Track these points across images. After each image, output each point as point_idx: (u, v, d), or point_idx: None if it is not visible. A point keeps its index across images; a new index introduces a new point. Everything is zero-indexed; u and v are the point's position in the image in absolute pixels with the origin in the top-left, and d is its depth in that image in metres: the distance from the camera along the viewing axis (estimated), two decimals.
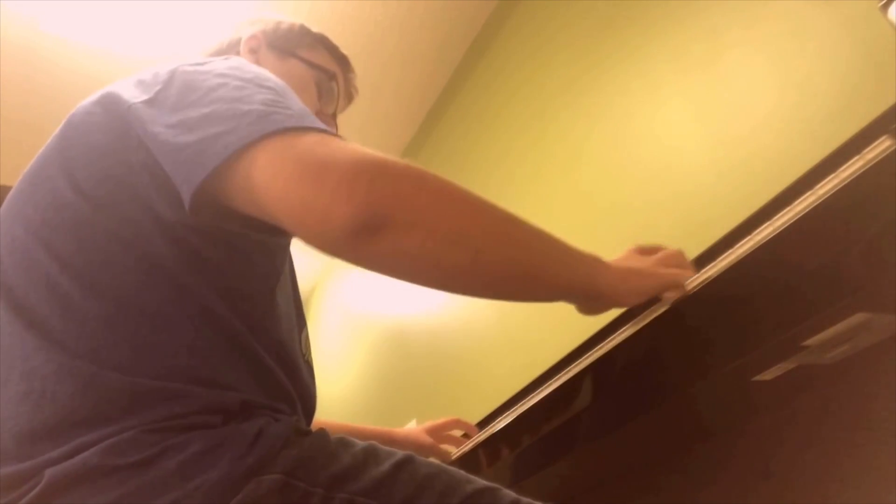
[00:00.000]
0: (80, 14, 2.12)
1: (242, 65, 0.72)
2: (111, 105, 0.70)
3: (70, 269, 0.65)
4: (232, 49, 1.00)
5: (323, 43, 1.04)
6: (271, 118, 0.61)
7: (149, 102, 0.67)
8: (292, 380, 0.76)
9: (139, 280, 0.65)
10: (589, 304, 0.74)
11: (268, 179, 0.58)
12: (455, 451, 1.17)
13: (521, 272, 0.66)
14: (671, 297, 0.77)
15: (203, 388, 0.63)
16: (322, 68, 1.01)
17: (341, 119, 1.08)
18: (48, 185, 0.69)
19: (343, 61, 1.06)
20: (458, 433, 1.28)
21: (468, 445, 1.15)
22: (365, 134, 2.85)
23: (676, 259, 0.80)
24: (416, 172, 0.60)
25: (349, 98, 1.08)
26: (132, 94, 0.69)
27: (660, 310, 0.78)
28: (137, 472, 0.56)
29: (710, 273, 0.77)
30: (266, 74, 0.70)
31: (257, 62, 0.95)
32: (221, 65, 0.71)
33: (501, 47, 2.31)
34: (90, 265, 0.65)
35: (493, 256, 0.63)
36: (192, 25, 2.24)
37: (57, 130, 0.75)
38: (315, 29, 1.05)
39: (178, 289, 0.66)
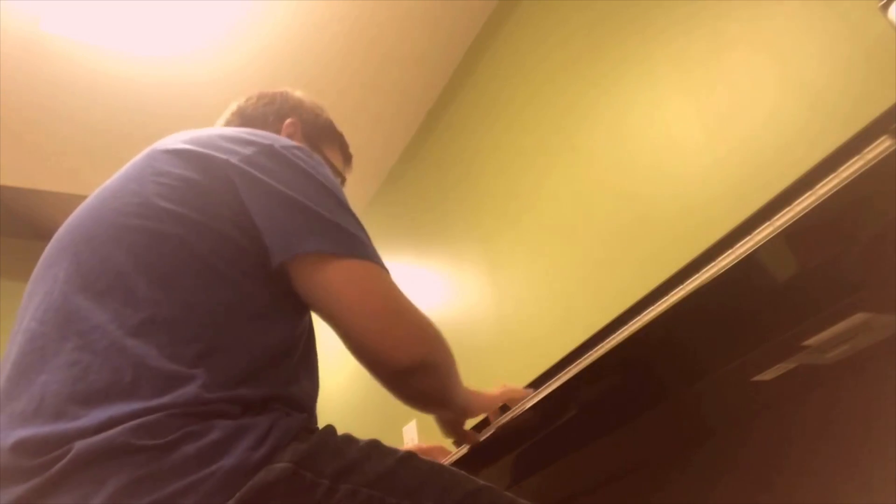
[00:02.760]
0: (81, 13, 2.12)
1: (323, 165, 0.86)
2: (204, 155, 0.80)
3: (142, 266, 0.73)
4: (274, 126, 1.12)
5: (339, 142, 1.22)
6: (367, 247, 0.79)
7: (246, 161, 0.79)
8: (312, 385, 0.83)
9: (202, 284, 0.74)
10: (453, 417, 0.98)
11: (356, 297, 0.75)
12: (457, 451, 1.18)
13: (455, 397, 0.87)
14: (498, 422, 1.05)
15: (231, 382, 0.69)
16: (337, 170, 1.18)
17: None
18: (135, 199, 0.79)
19: (348, 160, 1.24)
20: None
21: (492, 428, 1.15)
22: (365, 133, 2.85)
23: (512, 387, 1.07)
24: (442, 336, 0.82)
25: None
26: (227, 150, 0.81)
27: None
28: (160, 454, 0.62)
29: (710, 273, 0.77)
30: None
31: None
32: (316, 164, 0.84)
33: (501, 47, 2.31)
34: (162, 267, 0.74)
35: (452, 387, 0.85)
36: (192, 25, 2.24)
37: (141, 158, 0.85)
38: (338, 128, 1.22)
39: (239, 297, 0.75)
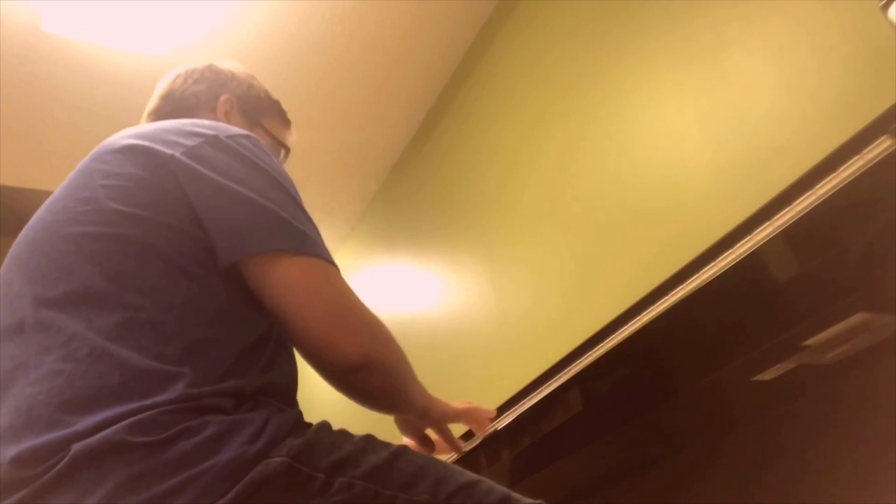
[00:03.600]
0: (81, 13, 2.12)
1: (271, 155, 0.85)
2: (149, 150, 0.79)
3: (108, 272, 0.73)
4: (208, 106, 1.08)
5: (276, 109, 1.17)
6: (316, 243, 0.78)
7: (190, 155, 0.78)
8: (291, 368, 0.83)
9: (172, 283, 0.73)
10: (411, 420, 1.01)
11: (304, 294, 0.75)
12: (455, 451, 1.18)
13: (408, 398, 0.89)
14: (485, 431, 1.08)
15: (218, 375, 0.70)
16: (278, 140, 1.15)
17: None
18: (88, 207, 0.77)
19: (287, 125, 1.20)
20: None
21: (467, 446, 1.15)
22: (365, 133, 2.85)
23: (477, 406, 1.11)
24: (390, 336, 0.82)
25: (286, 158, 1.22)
26: (171, 143, 0.79)
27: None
28: (156, 450, 0.62)
29: (710, 273, 0.77)
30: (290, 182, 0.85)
31: (228, 124, 1.02)
32: (264, 155, 0.83)
33: (501, 47, 2.31)
34: (129, 271, 0.73)
35: (401, 388, 0.86)
36: (193, 24, 2.25)
37: (86, 163, 0.83)
38: (273, 95, 1.17)
39: (210, 292, 0.75)
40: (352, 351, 0.75)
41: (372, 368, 0.77)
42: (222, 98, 1.08)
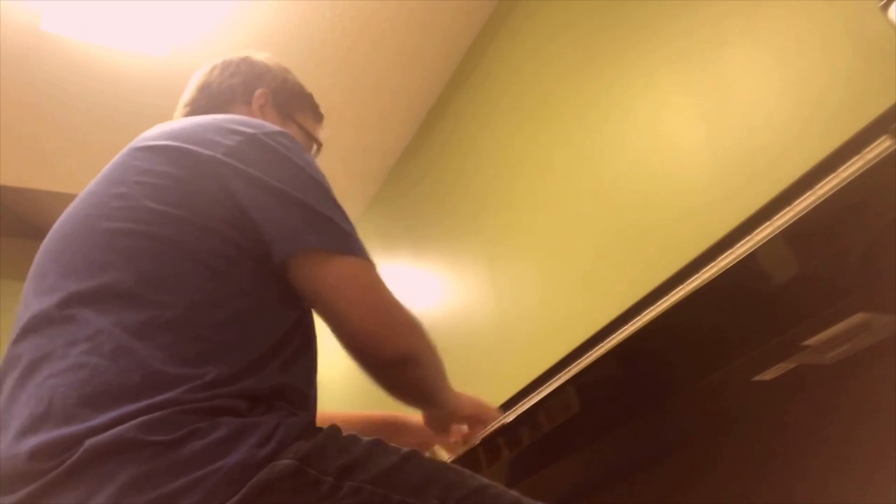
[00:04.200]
0: (81, 13, 2.12)
1: (306, 153, 0.87)
2: (188, 151, 0.80)
3: (139, 271, 0.74)
4: (243, 99, 1.09)
5: (309, 103, 1.19)
6: (360, 243, 0.81)
7: (232, 154, 0.79)
8: (310, 368, 0.83)
9: (202, 284, 0.74)
10: (436, 412, 1.03)
11: (355, 294, 0.78)
12: (454, 451, 1.18)
13: (443, 392, 0.93)
14: (496, 423, 1.10)
15: (237, 377, 0.70)
16: (311, 136, 1.16)
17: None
18: (124, 203, 0.78)
19: (319, 120, 1.22)
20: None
21: (473, 442, 1.15)
22: (365, 133, 2.85)
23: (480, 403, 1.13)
24: (428, 333, 0.85)
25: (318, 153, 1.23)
26: (210, 143, 0.80)
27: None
28: (167, 449, 0.63)
29: (710, 273, 0.77)
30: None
31: (262, 118, 1.05)
32: (301, 152, 0.85)
33: (501, 47, 2.31)
34: (160, 270, 0.74)
35: (438, 382, 0.90)
36: (193, 24, 2.25)
37: (121, 159, 0.84)
38: (307, 88, 1.19)
39: (240, 293, 0.76)
40: (399, 346, 0.80)
41: (416, 362, 0.82)
42: (257, 92, 1.10)
